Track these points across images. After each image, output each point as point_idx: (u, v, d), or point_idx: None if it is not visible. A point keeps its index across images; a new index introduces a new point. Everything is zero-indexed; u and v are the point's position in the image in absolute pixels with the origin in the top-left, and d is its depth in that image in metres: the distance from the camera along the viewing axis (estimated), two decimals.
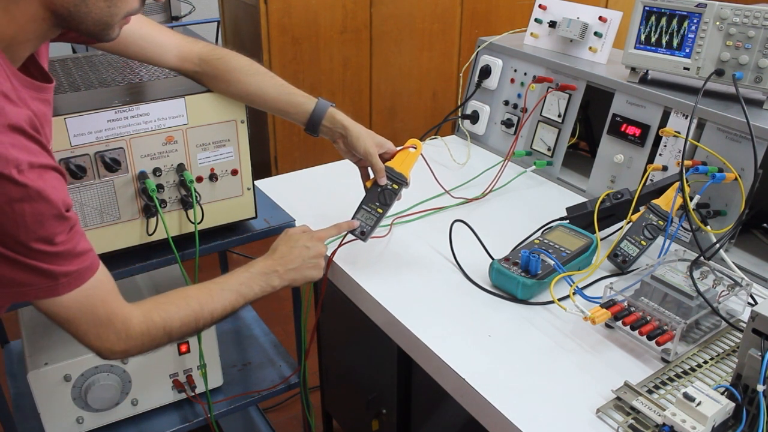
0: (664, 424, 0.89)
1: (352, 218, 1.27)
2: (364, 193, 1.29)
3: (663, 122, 1.44)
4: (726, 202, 1.32)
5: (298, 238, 1.19)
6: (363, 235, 1.26)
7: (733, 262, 1.26)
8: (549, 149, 1.69)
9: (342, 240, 1.31)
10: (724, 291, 1.12)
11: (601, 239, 1.34)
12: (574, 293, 1.13)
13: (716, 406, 0.87)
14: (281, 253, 1.17)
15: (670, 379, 1.02)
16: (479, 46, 1.87)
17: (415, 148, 1.29)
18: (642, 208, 1.31)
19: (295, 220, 1.41)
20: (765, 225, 1.43)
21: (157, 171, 1.20)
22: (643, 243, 1.27)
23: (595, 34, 1.68)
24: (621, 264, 1.28)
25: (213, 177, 1.26)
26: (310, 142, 2.94)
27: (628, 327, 1.07)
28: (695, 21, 1.39)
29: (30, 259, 0.81)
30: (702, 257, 1.17)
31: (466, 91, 1.91)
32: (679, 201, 1.26)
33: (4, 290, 0.83)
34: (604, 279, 1.27)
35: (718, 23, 1.36)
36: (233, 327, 1.77)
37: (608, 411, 0.96)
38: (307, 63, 2.91)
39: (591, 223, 1.33)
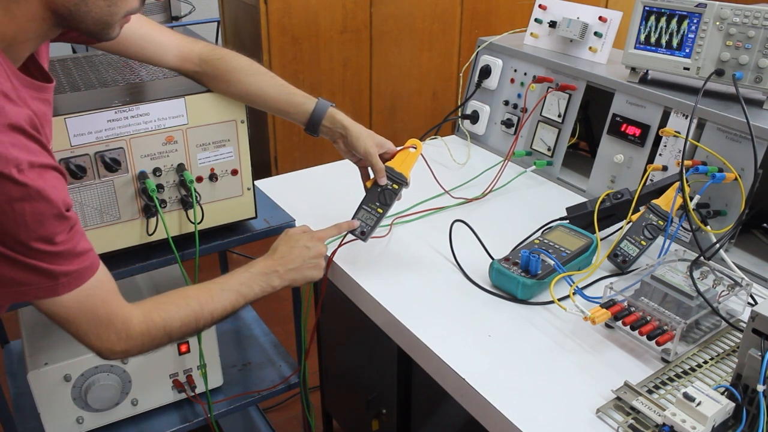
0: (664, 424, 0.89)
1: (352, 218, 1.27)
2: (364, 193, 1.29)
3: (663, 122, 1.44)
4: (726, 202, 1.32)
5: (299, 238, 1.19)
6: (363, 235, 1.26)
7: (733, 262, 1.26)
8: (549, 149, 1.69)
9: (342, 240, 1.31)
10: (724, 291, 1.12)
11: (601, 239, 1.34)
12: (574, 293, 1.13)
13: (716, 406, 0.87)
14: (281, 253, 1.17)
15: (670, 379, 1.02)
16: (479, 46, 1.87)
17: (415, 148, 1.29)
18: (642, 208, 1.31)
19: (295, 220, 1.41)
20: (765, 225, 1.43)
21: (157, 171, 1.20)
22: (643, 243, 1.27)
23: (595, 34, 1.68)
24: (621, 264, 1.28)
25: (213, 177, 1.26)
26: (310, 142, 2.94)
27: (628, 327, 1.07)
28: (695, 21, 1.39)
29: (30, 258, 0.81)
30: (702, 257, 1.17)
31: (466, 91, 1.91)
32: (679, 201, 1.26)
33: (4, 290, 0.83)
34: (604, 279, 1.27)
35: (718, 23, 1.36)
36: (233, 327, 1.77)
37: (608, 411, 0.96)
38: (307, 63, 2.91)
39: (591, 223, 1.33)
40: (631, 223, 1.30)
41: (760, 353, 0.86)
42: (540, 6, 1.80)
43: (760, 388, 0.86)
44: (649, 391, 0.99)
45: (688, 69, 1.42)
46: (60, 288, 0.85)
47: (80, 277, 0.87)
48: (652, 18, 1.46)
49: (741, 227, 1.31)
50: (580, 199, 1.50)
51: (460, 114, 1.92)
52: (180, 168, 1.22)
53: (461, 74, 2.44)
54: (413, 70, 3.18)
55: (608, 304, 1.10)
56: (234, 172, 1.28)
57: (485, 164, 1.72)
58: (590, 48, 1.69)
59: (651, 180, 1.42)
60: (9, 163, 0.75)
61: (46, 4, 0.82)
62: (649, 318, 1.07)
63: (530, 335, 1.12)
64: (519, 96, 1.77)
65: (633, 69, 1.51)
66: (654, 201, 1.29)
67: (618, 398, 0.97)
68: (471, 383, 1.02)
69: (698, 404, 0.87)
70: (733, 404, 0.89)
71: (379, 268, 1.32)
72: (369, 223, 1.26)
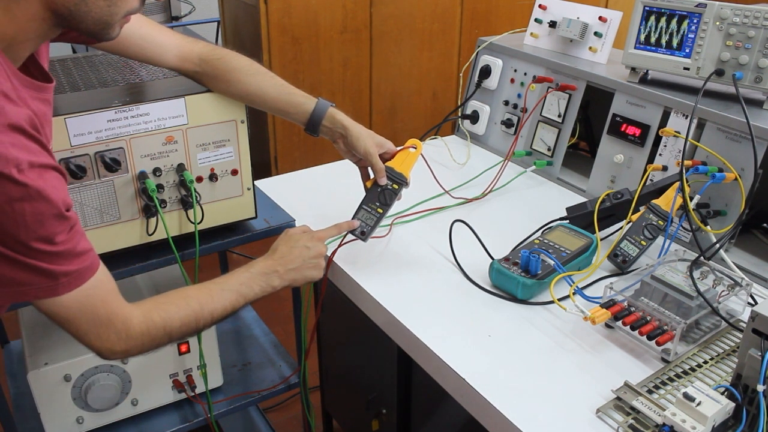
0: (664, 424, 0.89)
1: (353, 218, 1.27)
2: (364, 193, 1.29)
3: (663, 122, 1.44)
4: (726, 202, 1.32)
5: (299, 238, 1.19)
6: (363, 235, 1.26)
7: (733, 262, 1.26)
8: (549, 149, 1.69)
9: (342, 240, 1.31)
10: (724, 291, 1.12)
11: (601, 239, 1.34)
12: (574, 293, 1.13)
13: (716, 406, 0.87)
14: (281, 253, 1.17)
15: (670, 379, 1.02)
16: (479, 46, 1.87)
17: (415, 148, 1.29)
18: (642, 208, 1.31)
19: (295, 220, 1.41)
20: (765, 225, 1.43)
21: (157, 171, 1.20)
22: (643, 243, 1.27)
23: (595, 34, 1.68)
24: (621, 264, 1.28)
25: (213, 177, 1.26)
26: (310, 142, 2.94)
27: (628, 327, 1.07)
28: (695, 21, 1.39)
29: (30, 258, 0.81)
30: (702, 257, 1.17)
31: (466, 91, 1.91)
32: (679, 201, 1.26)
33: (4, 290, 0.83)
34: (604, 279, 1.27)
35: (718, 23, 1.36)
36: (233, 327, 1.77)
37: (608, 411, 0.96)
38: (307, 63, 2.91)
39: (591, 223, 1.33)
40: (631, 223, 1.30)
41: (760, 353, 0.86)
42: (540, 6, 1.80)
43: (760, 388, 0.86)
44: (649, 391, 0.99)
45: (688, 69, 1.42)
46: (60, 288, 0.85)
47: (80, 277, 0.87)
48: (652, 18, 1.46)
49: (741, 227, 1.31)
50: (580, 199, 1.50)
51: (460, 114, 1.92)
52: (180, 168, 1.22)
53: (461, 74, 2.44)
54: (413, 70, 3.18)
55: (608, 304, 1.10)
56: (234, 172, 1.28)
57: (485, 164, 1.72)
58: (590, 48, 1.69)
59: (651, 180, 1.42)
60: (9, 163, 0.75)
61: (46, 4, 0.82)
62: (649, 318, 1.07)
63: (530, 335, 1.12)
64: (519, 96, 1.77)
65: (633, 69, 1.51)
66: (654, 201, 1.29)
67: (618, 398, 0.97)
68: (471, 383, 1.02)
69: (698, 404, 0.87)
70: (733, 404, 0.89)
71: (379, 268, 1.32)
72: (369, 223, 1.26)
